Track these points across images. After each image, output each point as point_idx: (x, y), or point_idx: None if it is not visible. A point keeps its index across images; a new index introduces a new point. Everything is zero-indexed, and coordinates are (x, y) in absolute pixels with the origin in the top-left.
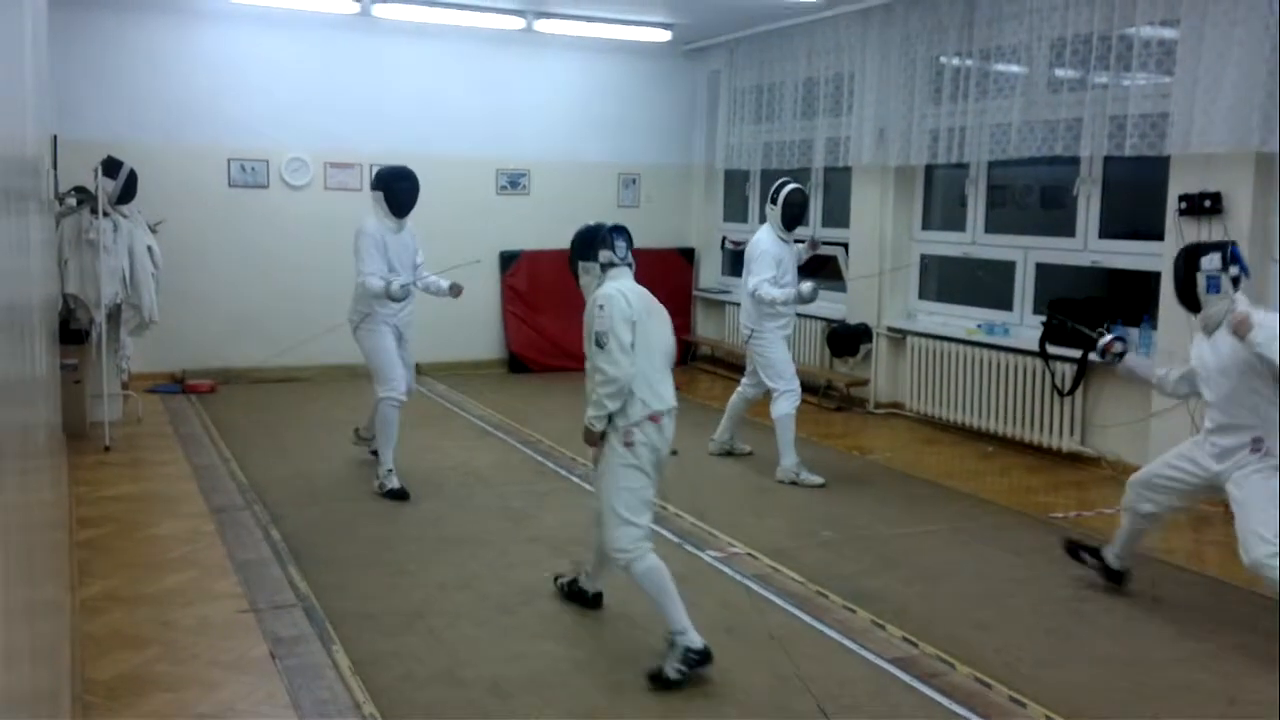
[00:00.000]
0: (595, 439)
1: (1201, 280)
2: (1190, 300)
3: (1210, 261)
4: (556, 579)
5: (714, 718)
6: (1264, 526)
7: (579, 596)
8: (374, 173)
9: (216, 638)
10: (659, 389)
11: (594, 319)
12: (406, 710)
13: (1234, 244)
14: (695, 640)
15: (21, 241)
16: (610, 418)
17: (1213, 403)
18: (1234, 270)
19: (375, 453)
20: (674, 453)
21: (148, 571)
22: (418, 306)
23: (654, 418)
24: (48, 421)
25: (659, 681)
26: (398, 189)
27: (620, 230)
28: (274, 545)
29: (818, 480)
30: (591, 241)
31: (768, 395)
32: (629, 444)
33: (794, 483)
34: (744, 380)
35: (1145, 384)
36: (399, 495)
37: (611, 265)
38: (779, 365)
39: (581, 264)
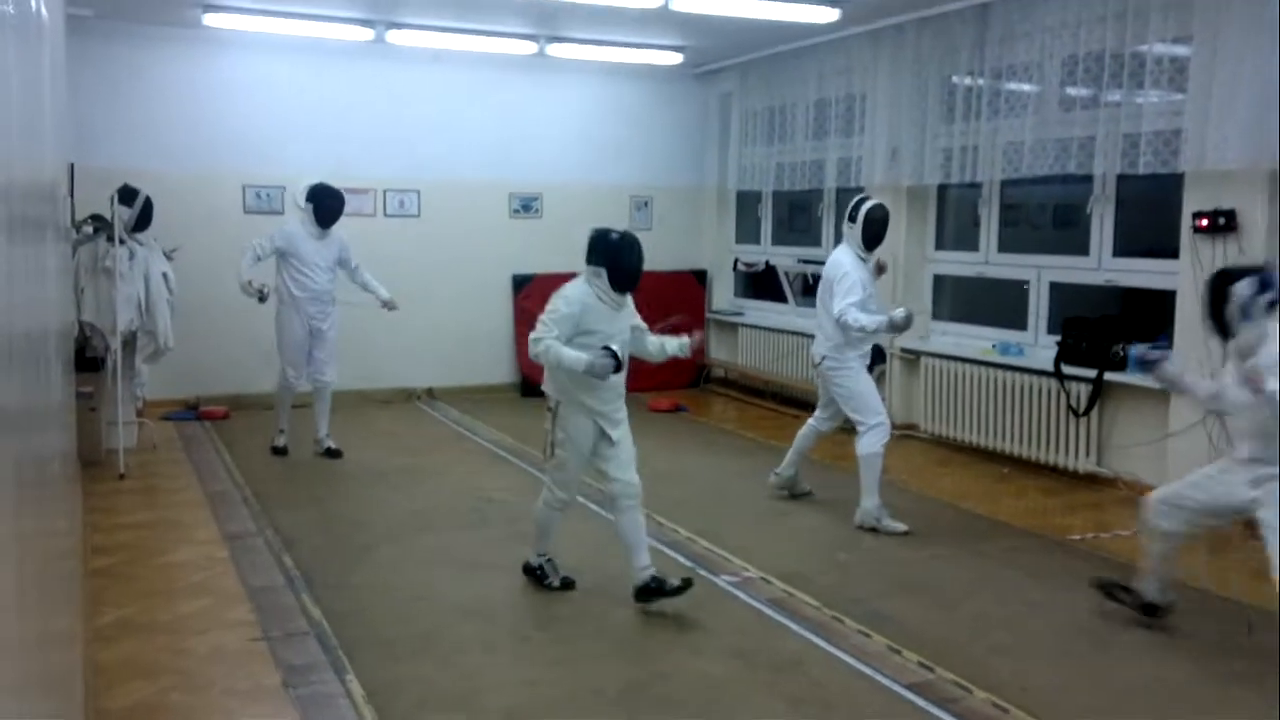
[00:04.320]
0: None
1: (1234, 308)
2: (1221, 326)
3: (1243, 288)
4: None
5: None
6: None
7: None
8: (307, 189)
9: (230, 666)
10: None
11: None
12: None
13: (1270, 269)
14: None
15: (38, 269)
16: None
17: (1246, 432)
18: (1269, 295)
19: (330, 451)
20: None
21: (161, 599)
22: (431, 327)
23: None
24: (63, 449)
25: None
26: (322, 205)
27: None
28: (287, 572)
29: (900, 527)
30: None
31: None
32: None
33: (874, 529)
34: (817, 413)
35: (1187, 395)
36: (281, 452)
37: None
38: (865, 396)
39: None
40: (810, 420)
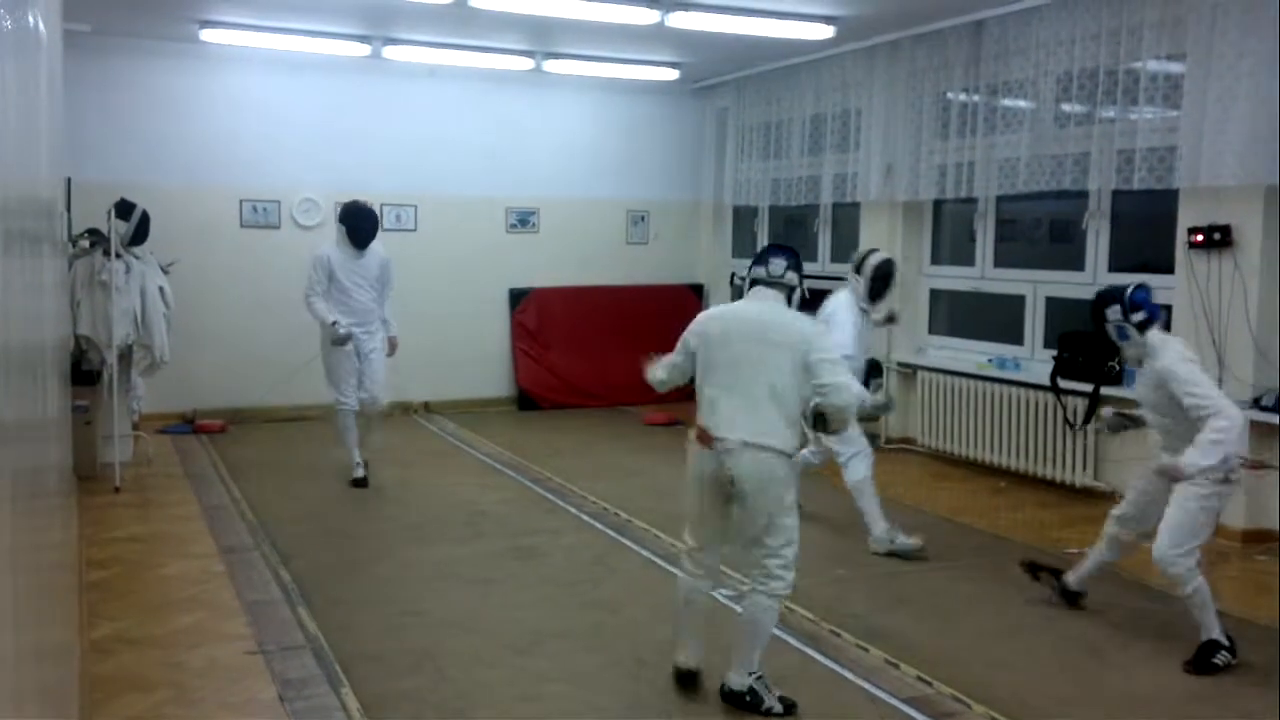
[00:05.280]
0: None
1: (1111, 330)
2: (1109, 343)
3: (1113, 312)
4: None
5: None
6: (1180, 528)
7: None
8: (339, 208)
9: (225, 680)
10: (718, 414)
11: None
12: None
13: (1138, 289)
14: (681, 660)
15: (35, 283)
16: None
17: (1156, 428)
18: (1138, 316)
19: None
20: (732, 481)
21: (157, 613)
22: (428, 341)
23: (703, 438)
24: (59, 462)
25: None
26: (354, 226)
27: (784, 251)
28: (283, 585)
29: (915, 543)
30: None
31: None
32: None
33: (891, 553)
34: (809, 445)
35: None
36: (361, 483)
37: (755, 282)
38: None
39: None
40: (803, 451)
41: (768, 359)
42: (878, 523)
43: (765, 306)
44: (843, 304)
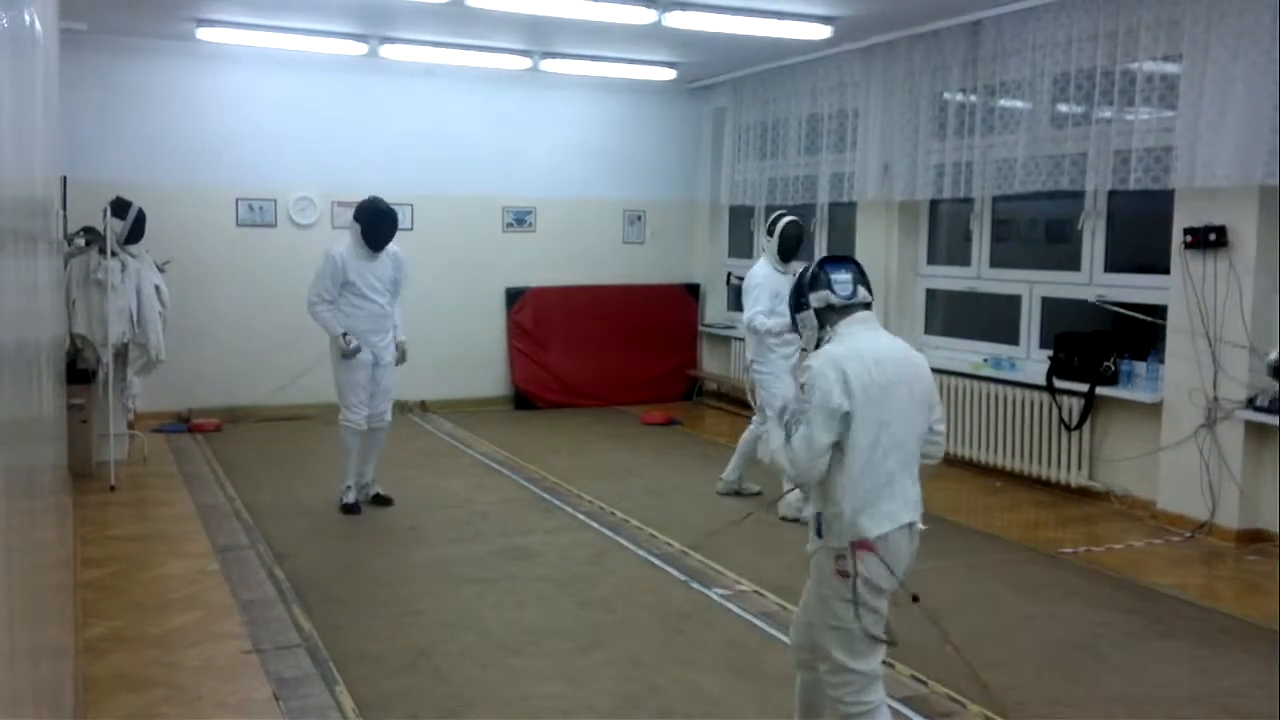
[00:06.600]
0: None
1: None
2: None
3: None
4: None
5: None
6: None
7: None
8: (356, 206)
9: (221, 679)
10: (884, 504)
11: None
12: None
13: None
14: None
15: (30, 282)
16: (820, 531)
17: None
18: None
19: (379, 498)
20: (915, 599)
21: (152, 612)
22: (424, 341)
23: (867, 545)
24: (54, 461)
25: None
26: (372, 225)
27: (842, 261)
28: (278, 584)
29: (756, 487)
30: (798, 287)
31: None
32: (842, 574)
33: (735, 493)
34: (754, 418)
35: None
36: (352, 509)
37: (834, 308)
38: (783, 401)
39: (797, 317)
40: (751, 425)
41: (917, 405)
42: (736, 471)
43: (891, 337)
44: (759, 274)
